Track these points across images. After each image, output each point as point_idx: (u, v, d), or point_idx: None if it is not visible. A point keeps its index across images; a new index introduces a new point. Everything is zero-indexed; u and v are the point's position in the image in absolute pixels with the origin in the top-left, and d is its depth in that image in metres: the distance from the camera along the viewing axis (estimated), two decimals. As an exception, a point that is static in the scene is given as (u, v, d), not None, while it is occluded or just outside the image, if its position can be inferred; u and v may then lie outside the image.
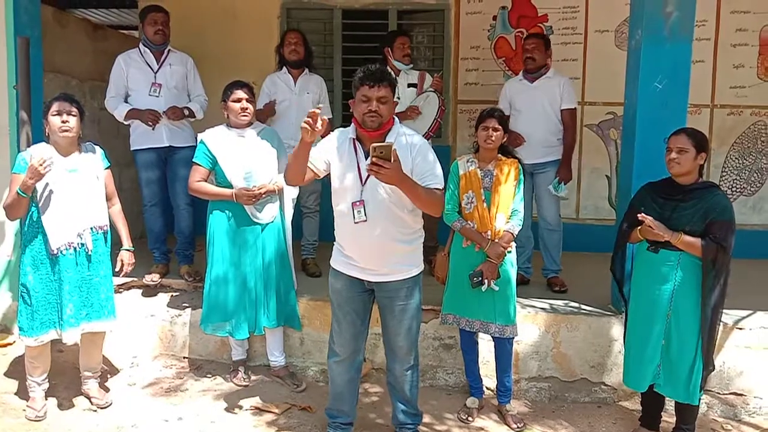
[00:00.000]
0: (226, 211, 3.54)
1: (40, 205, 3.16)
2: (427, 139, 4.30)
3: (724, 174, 5.62)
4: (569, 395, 3.71)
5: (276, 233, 3.63)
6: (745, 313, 3.79)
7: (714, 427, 3.44)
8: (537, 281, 4.40)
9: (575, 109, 4.40)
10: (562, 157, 4.33)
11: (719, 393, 3.66)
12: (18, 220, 3.30)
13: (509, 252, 3.29)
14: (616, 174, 5.47)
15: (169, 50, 4.29)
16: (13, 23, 4.03)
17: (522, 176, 3.34)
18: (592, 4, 5.54)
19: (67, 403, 3.43)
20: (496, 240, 3.24)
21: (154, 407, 3.45)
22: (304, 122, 2.57)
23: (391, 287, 2.87)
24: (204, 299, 3.64)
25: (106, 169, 3.42)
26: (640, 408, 3.32)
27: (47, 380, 3.40)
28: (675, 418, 3.14)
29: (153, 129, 4.13)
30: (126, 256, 3.45)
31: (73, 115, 3.20)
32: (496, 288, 3.25)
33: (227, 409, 3.44)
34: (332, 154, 2.84)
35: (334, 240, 2.98)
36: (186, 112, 4.23)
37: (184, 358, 4.02)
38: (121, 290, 4.13)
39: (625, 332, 3.27)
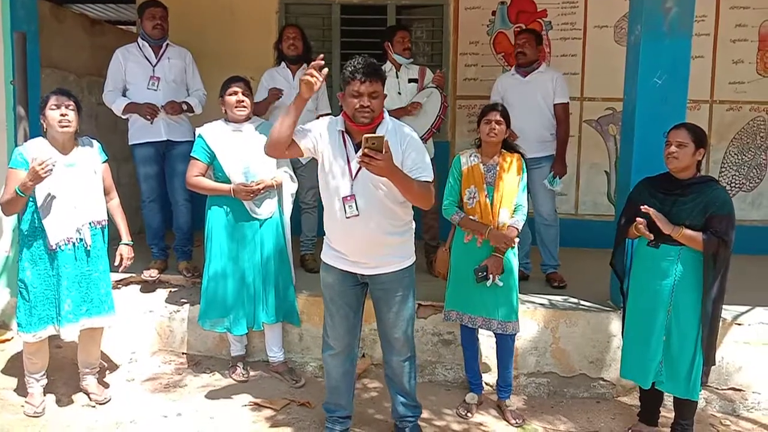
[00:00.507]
0: (225, 207, 3.53)
1: (38, 200, 3.14)
2: (430, 136, 4.30)
3: (723, 169, 5.62)
4: (568, 391, 3.71)
5: (274, 229, 3.62)
6: (744, 308, 3.79)
7: (713, 422, 3.45)
8: (536, 277, 4.40)
9: (568, 103, 4.39)
10: (556, 152, 4.33)
11: (718, 388, 3.66)
12: (16, 216, 3.28)
13: (512, 248, 3.28)
14: (615, 169, 5.47)
15: (167, 44, 4.28)
16: (9, 18, 4.02)
17: (525, 171, 3.33)
18: (591, -1, 5.53)
19: (65, 399, 3.43)
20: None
21: (152, 403, 3.44)
22: (306, 75, 2.54)
23: (384, 279, 2.86)
24: (202, 295, 3.63)
25: (104, 162, 3.41)
26: (639, 403, 3.33)
27: (45, 376, 3.39)
28: (674, 414, 3.14)
29: (151, 123, 4.11)
30: (125, 251, 3.45)
31: (72, 109, 3.19)
32: (500, 283, 3.25)
33: (226, 405, 3.43)
34: (322, 142, 2.78)
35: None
36: (184, 107, 4.22)
37: (182, 353, 4.02)
38: (119, 286, 4.13)
39: (623, 327, 3.27)
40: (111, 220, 3.43)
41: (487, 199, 3.26)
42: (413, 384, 3.08)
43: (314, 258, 4.48)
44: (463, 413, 3.40)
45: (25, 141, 3.79)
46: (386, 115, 2.80)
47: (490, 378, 3.64)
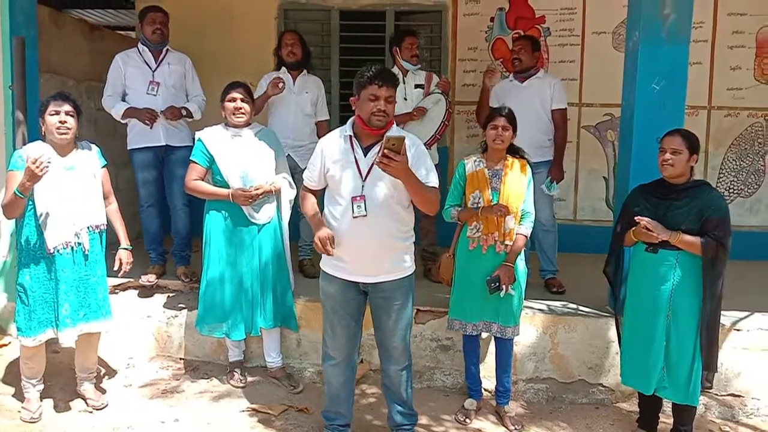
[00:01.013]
0: (223, 211, 3.53)
1: (36, 204, 3.14)
2: (434, 143, 4.30)
3: (722, 176, 5.62)
4: (567, 396, 3.70)
5: (273, 234, 3.62)
6: (742, 314, 3.79)
7: (712, 428, 3.44)
8: (535, 282, 4.39)
9: (566, 109, 4.40)
10: (553, 157, 4.33)
11: (717, 394, 3.66)
12: (14, 220, 3.28)
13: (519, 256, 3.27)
14: (614, 175, 5.48)
15: (167, 50, 4.29)
16: (8, 23, 4.02)
17: (531, 177, 3.32)
18: (589, 5, 5.54)
19: (62, 405, 3.41)
20: (506, 242, 3.22)
21: (150, 409, 3.43)
22: (318, 249, 2.76)
23: (386, 287, 2.86)
24: (200, 300, 3.62)
25: (103, 167, 3.41)
26: (638, 409, 3.32)
27: (42, 381, 3.38)
28: (672, 420, 3.14)
29: (151, 128, 4.12)
30: (124, 255, 3.44)
31: (71, 115, 3.19)
32: (513, 292, 3.25)
33: (224, 411, 3.42)
34: (329, 160, 2.84)
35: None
36: (184, 112, 4.22)
37: (180, 359, 4.01)
38: (117, 291, 4.12)
39: (620, 334, 3.26)
40: (109, 225, 3.42)
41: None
42: (410, 392, 3.08)
43: (312, 263, 4.47)
44: (462, 419, 3.39)
45: (24, 146, 3.79)
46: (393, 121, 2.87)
47: (488, 384, 3.63)
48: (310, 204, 2.95)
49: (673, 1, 3.54)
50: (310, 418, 3.35)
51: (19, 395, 3.40)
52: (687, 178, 2.98)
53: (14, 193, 3.02)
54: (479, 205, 3.25)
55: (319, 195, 2.98)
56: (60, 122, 3.14)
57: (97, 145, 3.44)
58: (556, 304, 3.99)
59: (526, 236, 3.27)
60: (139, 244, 4.36)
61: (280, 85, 4.23)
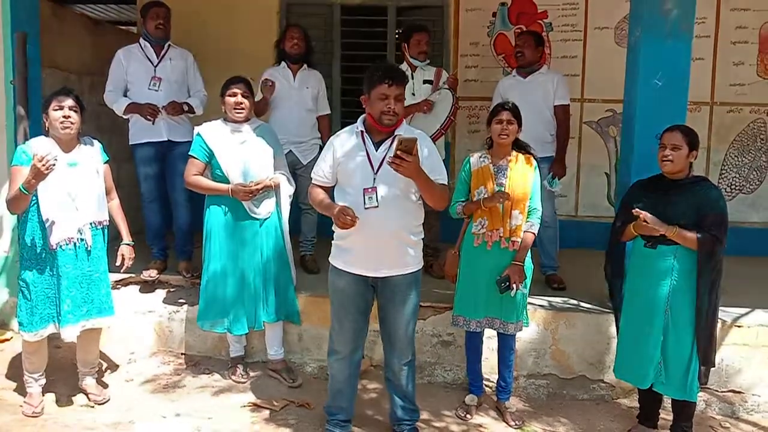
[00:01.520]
0: (223, 206, 3.53)
1: (40, 199, 3.14)
2: (439, 137, 4.29)
3: (724, 172, 5.61)
4: (567, 392, 3.71)
5: (273, 228, 3.62)
6: (743, 310, 3.79)
7: (712, 424, 3.44)
8: (535, 278, 4.34)
9: (569, 105, 4.39)
10: (555, 153, 4.32)
11: (717, 390, 3.66)
12: (16, 216, 3.28)
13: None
14: (615, 171, 5.46)
15: (169, 45, 4.29)
16: (10, 18, 4.02)
17: (538, 173, 3.31)
18: (591, 0, 5.52)
19: (64, 399, 3.42)
20: (512, 238, 3.22)
21: (151, 403, 3.44)
22: (340, 220, 2.72)
23: (395, 282, 2.89)
24: (201, 295, 3.63)
25: (105, 163, 3.41)
26: (638, 405, 3.32)
27: (44, 376, 3.39)
28: (672, 416, 3.14)
29: (153, 123, 4.12)
30: (126, 251, 3.45)
31: (75, 111, 3.19)
32: (525, 290, 3.25)
33: (225, 406, 3.43)
34: (340, 155, 2.88)
35: (332, 236, 2.98)
36: (185, 108, 4.22)
37: (181, 354, 4.02)
38: (118, 286, 4.13)
39: (617, 328, 3.26)
40: (111, 221, 3.43)
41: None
42: (412, 388, 3.10)
43: (314, 259, 4.48)
44: (463, 414, 3.39)
45: (25, 141, 3.79)
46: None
47: (489, 380, 3.64)
48: (319, 191, 2.95)
49: (676, -3, 3.53)
50: (312, 413, 3.36)
51: (21, 390, 3.41)
52: (686, 174, 2.99)
53: (19, 189, 3.03)
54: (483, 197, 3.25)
55: (329, 192, 2.98)
56: (64, 117, 3.14)
57: (99, 141, 3.44)
58: (557, 300, 3.99)
59: (534, 234, 3.26)
60: (140, 240, 4.37)
61: (269, 84, 4.24)
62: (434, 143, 3.85)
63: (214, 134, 3.54)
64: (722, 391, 3.66)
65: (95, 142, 3.40)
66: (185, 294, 4.17)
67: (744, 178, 5.61)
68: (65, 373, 3.62)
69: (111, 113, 4.30)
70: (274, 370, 3.76)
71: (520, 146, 3.35)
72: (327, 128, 4.55)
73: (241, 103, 3.53)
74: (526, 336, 3.73)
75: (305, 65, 4.50)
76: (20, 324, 3.24)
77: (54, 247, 3.16)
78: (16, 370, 3.60)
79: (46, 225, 3.15)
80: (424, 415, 3.32)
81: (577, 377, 3.77)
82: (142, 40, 4.27)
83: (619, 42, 5.41)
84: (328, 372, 3.19)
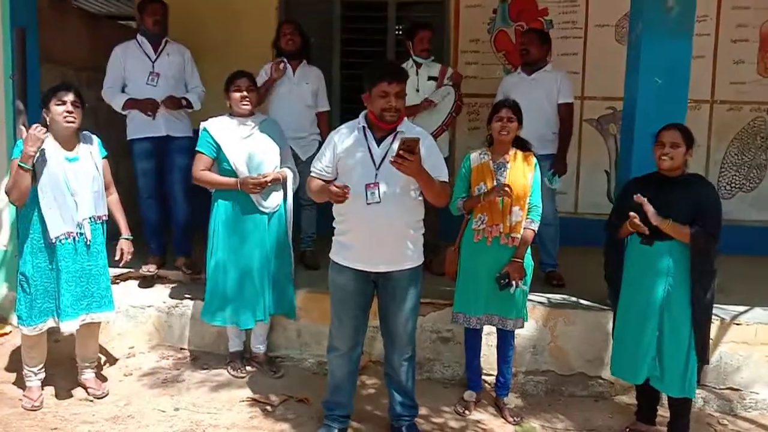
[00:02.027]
0: (231, 200, 3.53)
1: (40, 193, 3.14)
2: (440, 133, 4.28)
3: (723, 170, 5.61)
4: (566, 389, 3.71)
5: (279, 222, 3.63)
6: (742, 308, 3.80)
7: (710, 422, 3.45)
8: (535, 275, 4.35)
9: (572, 103, 4.39)
10: (557, 151, 4.32)
11: (716, 388, 3.67)
12: (15, 210, 3.28)
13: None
14: (615, 169, 5.46)
15: (167, 41, 4.29)
16: (9, 13, 4.02)
17: (538, 169, 3.31)
18: (592, -2, 5.53)
19: (63, 393, 3.43)
20: (512, 235, 3.22)
21: (150, 398, 3.44)
22: (337, 195, 2.72)
23: (396, 277, 2.90)
24: (207, 289, 3.62)
25: (104, 158, 3.41)
26: (636, 402, 3.33)
27: (44, 370, 3.39)
28: (669, 413, 3.15)
29: (153, 119, 4.12)
30: (125, 245, 3.45)
31: (76, 105, 3.19)
32: (525, 287, 3.25)
33: (224, 401, 3.43)
34: (341, 149, 2.89)
35: (332, 233, 2.98)
36: (184, 102, 4.22)
37: (180, 349, 4.02)
38: (117, 281, 4.13)
39: (613, 325, 3.27)
40: (110, 216, 3.43)
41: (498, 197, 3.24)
42: (412, 384, 3.10)
43: (314, 254, 4.48)
44: (461, 411, 3.40)
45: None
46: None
47: (488, 376, 3.64)
48: (317, 181, 2.95)
49: (677, -6, 3.53)
50: (310, 409, 3.37)
51: (21, 384, 3.41)
52: (681, 171, 3.01)
53: (19, 165, 3.01)
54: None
55: None
56: (67, 112, 3.15)
57: (98, 136, 3.44)
58: (556, 297, 4.00)
59: (534, 231, 3.27)
60: (138, 235, 4.36)
61: (281, 65, 4.24)
62: (436, 140, 3.86)
63: (220, 128, 3.55)
64: (720, 389, 3.66)
65: (94, 137, 3.40)
66: (184, 289, 4.17)
67: (744, 177, 5.61)
68: (64, 367, 3.62)
69: (109, 108, 4.29)
70: (258, 363, 3.79)
71: (520, 143, 3.35)
72: (326, 124, 4.54)
73: (246, 97, 3.55)
74: (525, 333, 3.73)
75: (304, 61, 4.49)
76: (19, 318, 3.25)
77: (53, 241, 3.16)
78: (15, 364, 3.60)
79: (46, 219, 3.14)
80: (423, 411, 3.32)
81: (575, 374, 3.77)
82: (139, 36, 4.28)
83: (620, 39, 5.41)
84: (327, 368, 3.19)
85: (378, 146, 2.84)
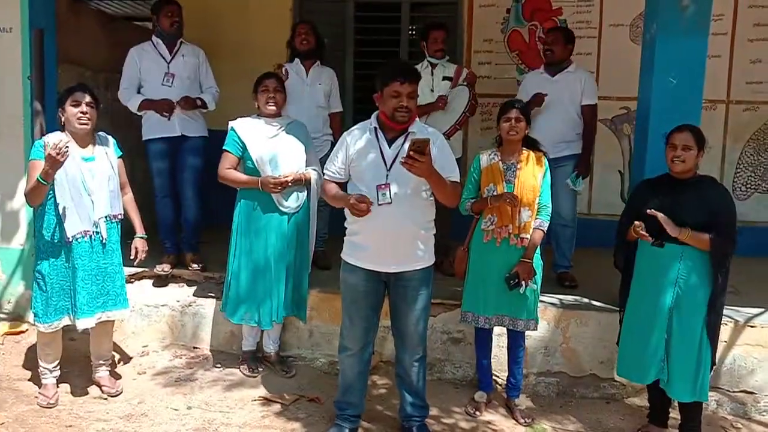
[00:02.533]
0: (253, 200, 3.57)
1: (56, 193, 3.19)
2: (453, 133, 4.27)
3: (739, 170, 5.55)
4: (577, 391, 3.70)
5: (302, 224, 3.66)
6: (757, 310, 3.76)
7: (723, 425, 3.42)
8: (547, 276, 4.36)
9: (596, 104, 4.35)
10: (581, 152, 4.29)
11: (729, 391, 3.63)
12: (31, 209, 3.33)
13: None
14: (629, 169, 5.42)
15: (181, 42, 4.33)
16: (27, 15, 4.07)
17: (548, 169, 3.31)
18: (607, -3, 5.49)
19: (78, 391, 3.47)
20: (521, 235, 3.22)
21: (163, 396, 3.48)
22: (356, 209, 2.74)
23: (408, 277, 2.91)
24: (229, 288, 3.65)
25: (119, 158, 3.45)
26: (648, 404, 3.31)
27: (59, 368, 3.44)
28: (680, 416, 3.13)
29: (169, 119, 4.17)
30: (140, 243, 3.49)
31: (91, 106, 3.24)
32: (535, 286, 3.26)
33: (236, 400, 3.46)
34: (354, 150, 2.91)
35: (344, 233, 3.00)
36: (199, 103, 4.26)
37: (194, 348, 4.05)
38: (132, 280, 4.17)
39: (621, 325, 3.25)
40: (125, 215, 3.47)
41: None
42: (423, 385, 3.11)
43: (325, 255, 4.49)
44: (472, 411, 3.40)
45: (42, 135, 3.84)
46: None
47: (499, 377, 3.64)
48: (332, 186, 2.98)
49: (692, -7, 3.50)
50: (322, 408, 3.38)
51: (36, 381, 3.46)
52: (693, 173, 2.99)
53: (37, 179, 3.07)
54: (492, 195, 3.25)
55: (341, 188, 3.00)
56: (81, 113, 3.19)
57: (113, 137, 3.48)
58: (569, 298, 3.98)
59: (543, 230, 3.26)
60: (153, 234, 4.40)
61: (283, 70, 4.28)
62: (449, 139, 3.87)
63: (246, 128, 3.60)
64: (734, 391, 3.63)
65: (109, 137, 3.45)
66: (198, 288, 4.21)
67: (760, 177, 5.55)
68: (79, 365, 3.67)
69: (126, 109, 4.34)
70: (270, 362, 3.81)
71: (531, 144, 3.35)
72: (339, 125, 4.56)
73: (273, 97, 3.60)
74: (536, 334, 3.71)
75: (318, 62, 4.51)
76: (35, 315, 3.30)
77: (70, 240, 3.20)
78: (31, 362, 3.65)
79: (63, 219, 3.19)
80: (433, 412, 3.33)
81: (587, 376, 3.76)
82: (154, 37, 4.32)
83: (634, 39, 5.37)
84: (338, 367, 3.20)
85: (389, 147, 2.85)
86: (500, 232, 3.24)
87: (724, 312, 3.09)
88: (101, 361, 3.52)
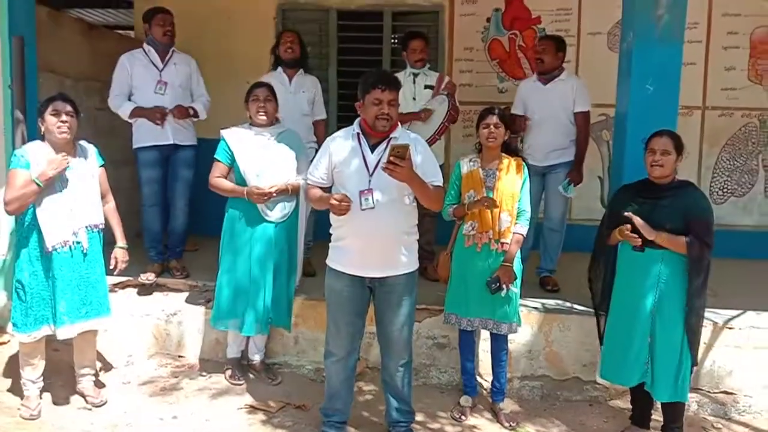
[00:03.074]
0: (240, 209, 3.58)
1: (36, 202, 3.16)
2: (433, 142, 4.31)
3: (715, 175, 5.66)
4: (561, 394, 3.74)
5: (287, 233, 3.66)
6: (735, 312, 3.83)
7: (704, 425, 3.48)
8: (529, 280, 4.41)
9: (589, 111, 4.39)
10: (574, 159, 4.34)
11: (710, 392, 3.70)
12: (13, 218, 3.31)
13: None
14: (608, 175, 5.51)
15: (173, 50, 4.34)
16: (7, 23, 4.04)
17: (527, 175, 3.36)
18: (585, 6, 5.58)
19: (62, 402, 3.44)
20: (501, 240, 3.26)
21: (149, 406, 3.46)
22: (337, 208, 2.77)
23: (392, 282, 2.93)
24: (216, 296, 3.66)
25: (101, 167, 3.44)
26: (631, 406, 3.36)
27: (42, 378, 3.40)
28: (663, 417, 3.17)
29: (162, 127, 4.16)
30: (120, 254, 3.47)
31: (71, 116, 3.23)
32: (516, 289, 3.29)
33: (222, 408, 3.45)
34: (337, 157, 2.93)
35: (328, 240, 3.02)
36: (191, 112, 4.27)
37: (179, 356, 4.03)
38: (116, 289, 4.14)
39: (600, 332, 3.30)
40: (106, 224, 3.45)
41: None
42: (408, 390, 3.13)
43: (310, 262, 4.50)
44: (458, 416, 3.42)
45: (23, 145, 3.81)
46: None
47: (484, 381, 3.67)
48: (316, 190, 3.00)
49: (667, 2, 3.58)
50: (308, 415, 3.38)
51: (19, 392, 3.42)
52: (672, 178, 3.04)
53: (34, 181, 3.07)
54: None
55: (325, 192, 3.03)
56: (61, 122, 3.18)
57: (94, 145, 3.47)
58: (551, 302, 4.03)
59: (522, 235, 3.31)
60: (138, 243, 4.39)
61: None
62: (430, 146, 3.89)
63: (237, 138, 3.61)
64: (714, 392, 3.70)
65: (91, 146, 3.43)
66: (183, 297, 4.18)
67: (735, 182, 5.67)
68: (63, 375, 3.63)
69: (109, 117, 4.33)
70: (256, 370, 3.82)
71: (510, 150, 3.40)
72: (323, 133, 4.57)
73: (264, 107, 3.60)
74: (520, 338, 3.76)
75: (301, 70, 4.53)
76: (14, 325, 3.27)
77: (50, 249, 3.18)
78: (13, 373, 3.60)
79: (42, 228, 3.17)
80: (419, 417, 3.35)
81: (570, 379, 3.80)
82: (146, 45, 4.32)
83: (612, 47, 5.47)
84: (324, 374, 3.21)
85: (372, 153, 2.88)
86: (481, 238, 3.29)
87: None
88: (85, 371, 3.49)
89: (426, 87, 4.47)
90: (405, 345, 3.04)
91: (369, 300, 3.03)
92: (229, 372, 3.78)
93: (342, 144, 2.93)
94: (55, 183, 3.17)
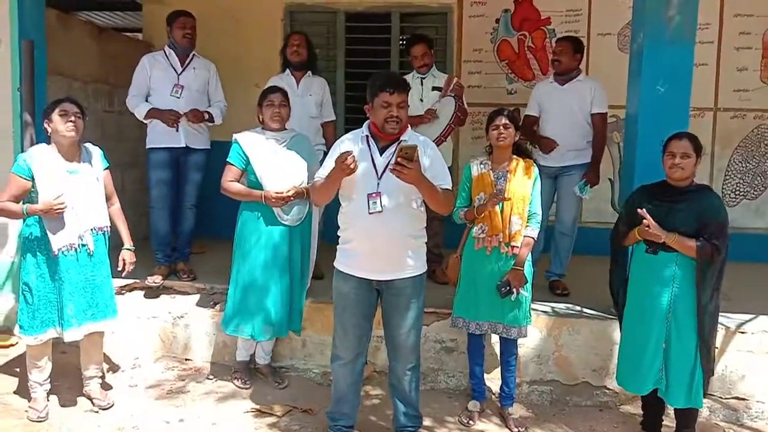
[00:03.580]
0: (256, 213, 3.57)
1: None
2: (439, 144, 4.29)
3: (728, 178, 5.60)
4: (571, 399, 3.70)
5: (301, 236, 3.66)
6: (747, 317, 3.78)
7: (716, 431, 3.43)
8: (539, 284, 4.36)
9: (606, 113, 4.36)
10: (591, 161, 4.30)
11: (722, 397, 3.65)
12: (21, 222, 3.32)
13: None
14: (619, 177, 5.46)
15: (194, 55, 4.36)
16: (17, 26, 4.07)
17: (538, 178, 3.33)
18: (595, 7, 5.54)
19: (69, 404, 3.44)
20: (511, 243, 3.23)
21: (155, 409, 3.45)
22: (342, 164, 2.67)
23: (400, 285, 2.91)
24: (228, 300, 3.66)
25: (106, 169, 3.45)
26: (642, 412, 3.32)
27: (49, 381, 3.41)
28: (675, 423, 3.13)
29: (177, 130, 4.17)
30: (127, 255, 3.47)
31: (79, 117, 3.24)
32: (527, 293, 3.27)
33: (228, 412, 3.44)
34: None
35: (336, 242, 3.00)
36: (206, 116, 4.28)
37: (186, 359, 4.03)
38: (123, 292, 4.15)
39: (621, 334, 3.26)
40: (112, 226, 3.45)
41: (497, 206, 3.25)
42: (416, 394, 3.10)
43: (317, 265, 4.48)
44: (466, 421, 3.39)
45: (31, 147, 3.83)
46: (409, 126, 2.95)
47: (492, 386, 3.64)
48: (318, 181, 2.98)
49: (678, 3, 3.54)
50: (315, 419, 3.37)
51: (26, 394, 3.43)
52: (690, 181, 2.99)
53: (21, 210, 3.12)
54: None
55: None
56: (69, 122, 3.20)
57: (100, 148, 3.48)
58: (561, 306, 3.99)
59: (533, 238, 3.27)
60: (145, 246, 4.39)
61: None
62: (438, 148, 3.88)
63: (251, 141, 3.60)
64: (726, 398, 3.65)
65: (96, 149, 3.44)
66: (190, 300, 4.18)
67: (748, 184, 5.61)
68: (70, 378, 3.64)
69: (116, 120, 4.35)
70: (262, 374, 3.80)
71: (521, 151, 3.37)
72: (332, 135, 4.57)
73: (279, 112, 3.61)
74: (529, 342, 3.73)
75: (309, 72, 4.52)
76: (21, 327, 3.27)
77: (56, 253, 3.18)
78: (21, 375, 3.62)
79: (48, 232, 3.17)
80: (427, 422, 3.32)
81: (580, 384, 3.76)
82: (167, 48, 4.35)
83: (622, 48, 5.43)
84: (331, 378, 3.20)
85: (381, 156, 2.86)
86: (491, 241, 3.26)
87: (715, 318, 3.10)
88: (91, 374, 3.49)
89: (434, 89, 4.45)
90: (412, 349, 3.02)
91: (376, 303, 3.01)
92: (236, 375, 3.77)
93: (351, 146, 2.91)
94: (60, 187, 3.17)
